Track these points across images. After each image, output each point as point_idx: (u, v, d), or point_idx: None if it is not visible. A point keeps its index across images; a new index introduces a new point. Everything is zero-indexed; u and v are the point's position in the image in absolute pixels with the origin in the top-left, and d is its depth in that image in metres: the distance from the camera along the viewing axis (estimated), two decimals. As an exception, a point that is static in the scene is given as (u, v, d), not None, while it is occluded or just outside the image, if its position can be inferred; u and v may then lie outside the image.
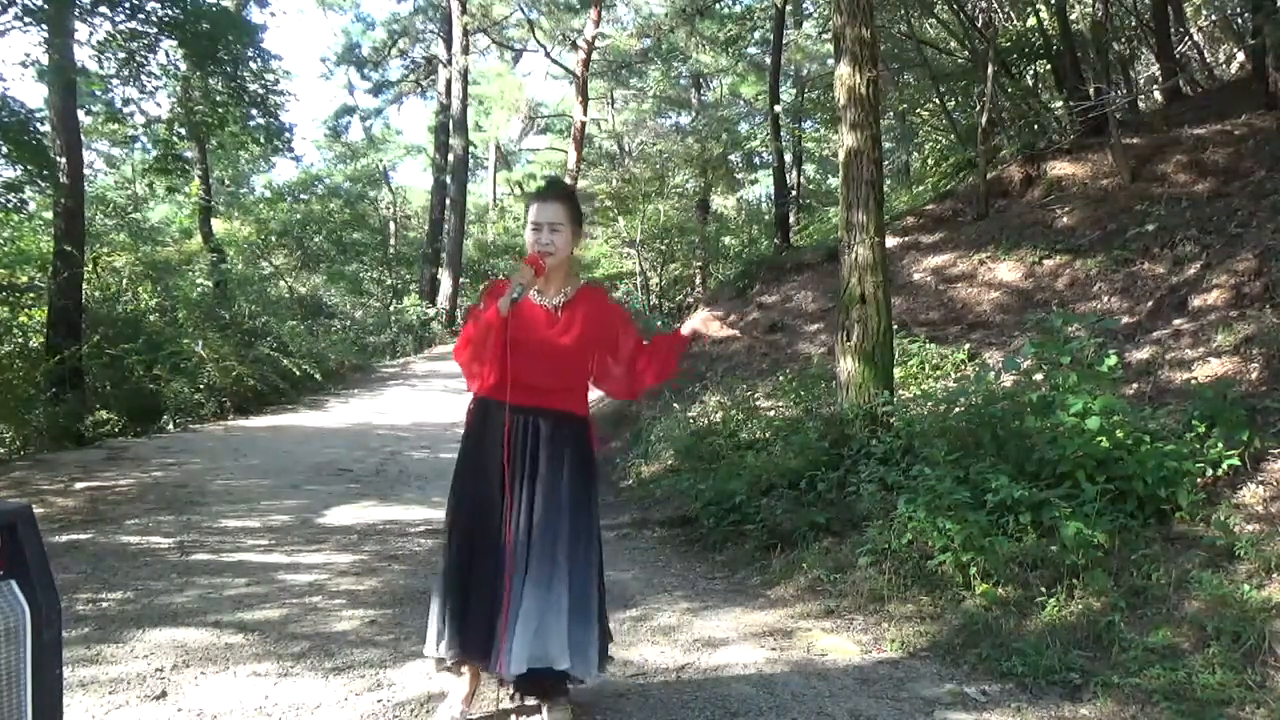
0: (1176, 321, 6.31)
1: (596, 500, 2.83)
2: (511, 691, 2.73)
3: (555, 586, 2.61)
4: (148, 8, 10.14)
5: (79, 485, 6.97)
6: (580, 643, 2.63)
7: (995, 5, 11.47)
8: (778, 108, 15.78)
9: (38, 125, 9.60)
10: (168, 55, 11.00)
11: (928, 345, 7.71)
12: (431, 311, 23.47)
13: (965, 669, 3.35)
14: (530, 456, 2.68)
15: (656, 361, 2.85)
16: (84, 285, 11.10)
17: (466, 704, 2.80)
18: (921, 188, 16.39)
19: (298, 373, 13.65)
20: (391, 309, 24.08)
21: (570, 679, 2.71)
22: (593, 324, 2.77)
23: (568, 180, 25.60)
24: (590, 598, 2.70)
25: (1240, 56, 12.14)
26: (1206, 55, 13.12)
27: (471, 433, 2.78)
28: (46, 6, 9.11)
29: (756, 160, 27.10)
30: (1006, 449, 4.51)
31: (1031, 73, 13.12)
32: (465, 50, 24.53)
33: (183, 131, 12.87)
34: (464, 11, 23.53)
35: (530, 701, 2.78)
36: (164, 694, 3.02)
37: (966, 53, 12.42)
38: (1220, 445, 4.15)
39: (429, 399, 13.31)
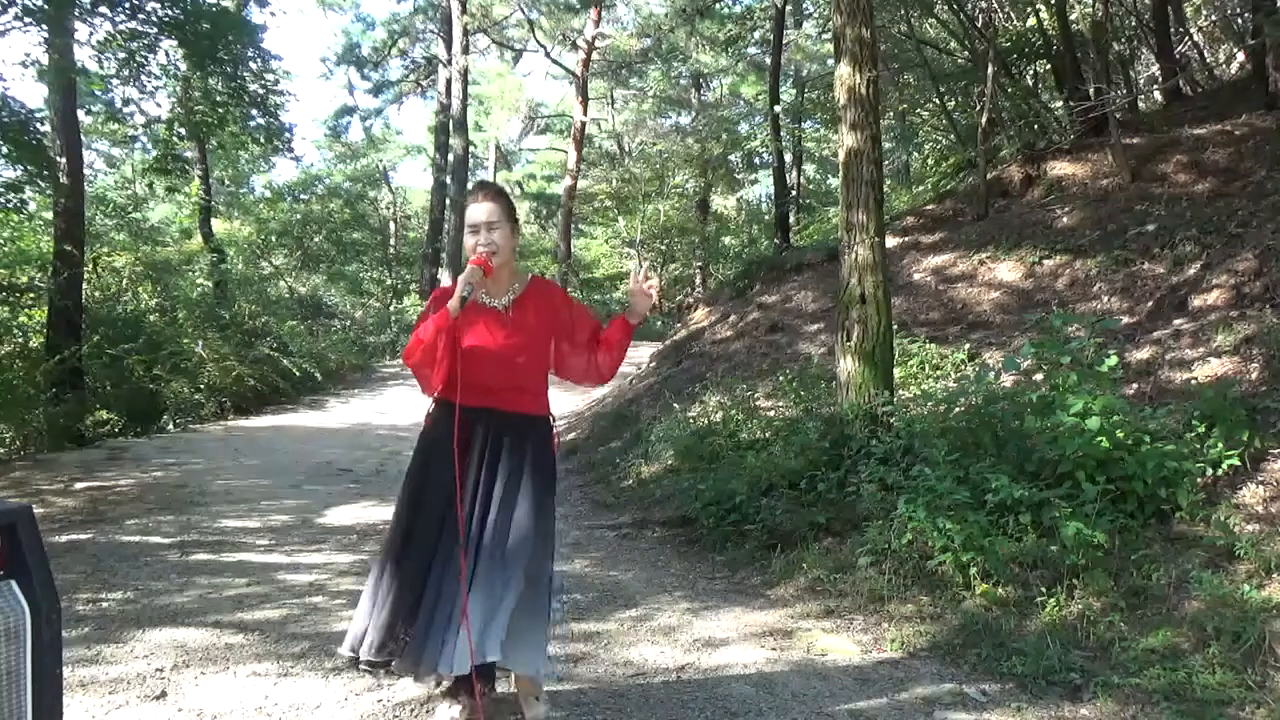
0: (1176, 321, 6.31)
1: (553, 501, 2.79)
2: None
3: (501, 586, 2.57)
4: (148, 8, 10.14)
5: (79, 485, 6.97)
6: (532, 640, 2.62)
7: (995, 5, 11.47)
8: (778, 108, 15.78)
9: (38, 125, 9.61)
10: (168, 55, 11.01)
11: (928, 345, 7.71)
12: (431, 311, 23.42)
13: (965, 669, 3.35)
14: (486, 457, 2.67)
15: (614, 343, 2.82)
16: (84, 285, 11.11)
17: (469, 706, 2.79)
18: (921, 188, 16.40)
19: (298, 373, 13.67)
20: (391, 309, 24.08)
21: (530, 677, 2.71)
22: (544, 318, 2.77)
23: (568, 179, 25.65)
24: (541, 596, 2.67)
25: (1240, 56, 12.13)
26: (1206, 55, 13.12)
27: (425, 433, 2.79)
28: (46, 6, 9.11)
29: (756, 160, 27.10)
30: (1006, 449, 4.52)
31: (1031, 73, 13.11)
32: (465, 50, 24.51)
33: (183, 131, 12.87)
34: (464, 11, 23.51)
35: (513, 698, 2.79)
36: (164, 694, 3.02)
37: (966, 53, 12.42)
38: (1220, 445, 4.16)
39: (429, 399, 13.28)
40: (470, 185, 2.77)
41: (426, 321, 2.67)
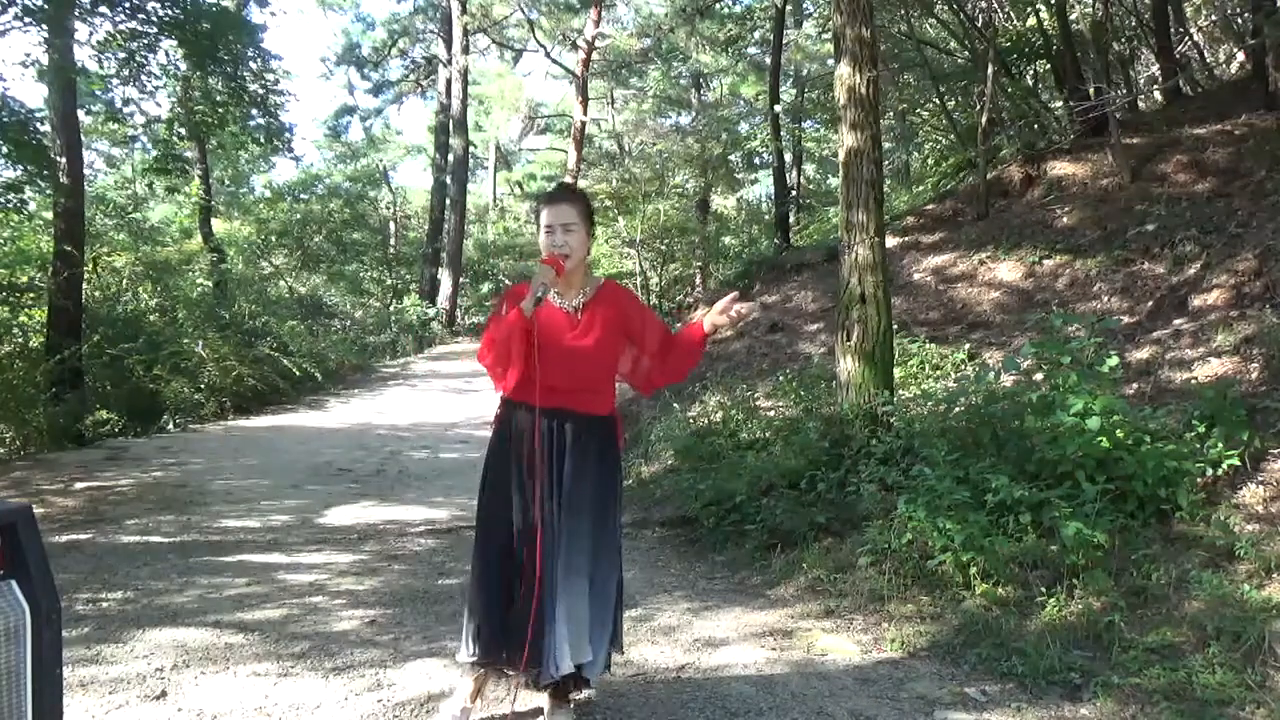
0: (1176, 321, 6.31)
1: (621, 499, 2.86)
2: (542, 689, 2.75)
3: (583, 587, 2.63)
4: (148, 8, 10.14)
5: (79, 485, 6.97)
6: (597, 646, 2.65)
7: (995, 5, 11.47)
8: (778, 108, 15.78)
9: (38, 125, 9.60)
10: (168, 55, 11.00)
11: (928, 345, 7.71)
12: (431, 311, 23.46)
13: (965, 669, 3.35)
14: (557, 458, 2.69)
15: (679, 355, 2.86)
16: (84, 285, 11.11)
17: (471, 701, 2.80)
18: (921, 188, 16.39)
19: (298, 373, 13.66)
20: (391, 309, 24.08)
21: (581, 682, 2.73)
22: (614, 322, 2.77)
23: (567, 180, 25.64)
24: (610, 599, 2.73)
25: (1240, 56, 12.13)
26: (1206, 55, 13.12)
27: (500, 434, 2.80)
28: (46, 6, 9.11)
29: (756, 160, 27.08)
30: (1006, 449, 4.51)
31: (1031, 73, 13.12)
32: (465, 50, 24.52)
33: (183, 131, 12.85)
34: (464, 11, 23.52)
35: (522, 707, 2.79)
36: (164, 694, 3.02)
37: (966, 53, 12.42)
38: (1220, 445, 4.15)
39: (429, 399, 13.31)
40: (551, 187, 2.80)
41: (500, 320, 2.68)
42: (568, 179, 25.57)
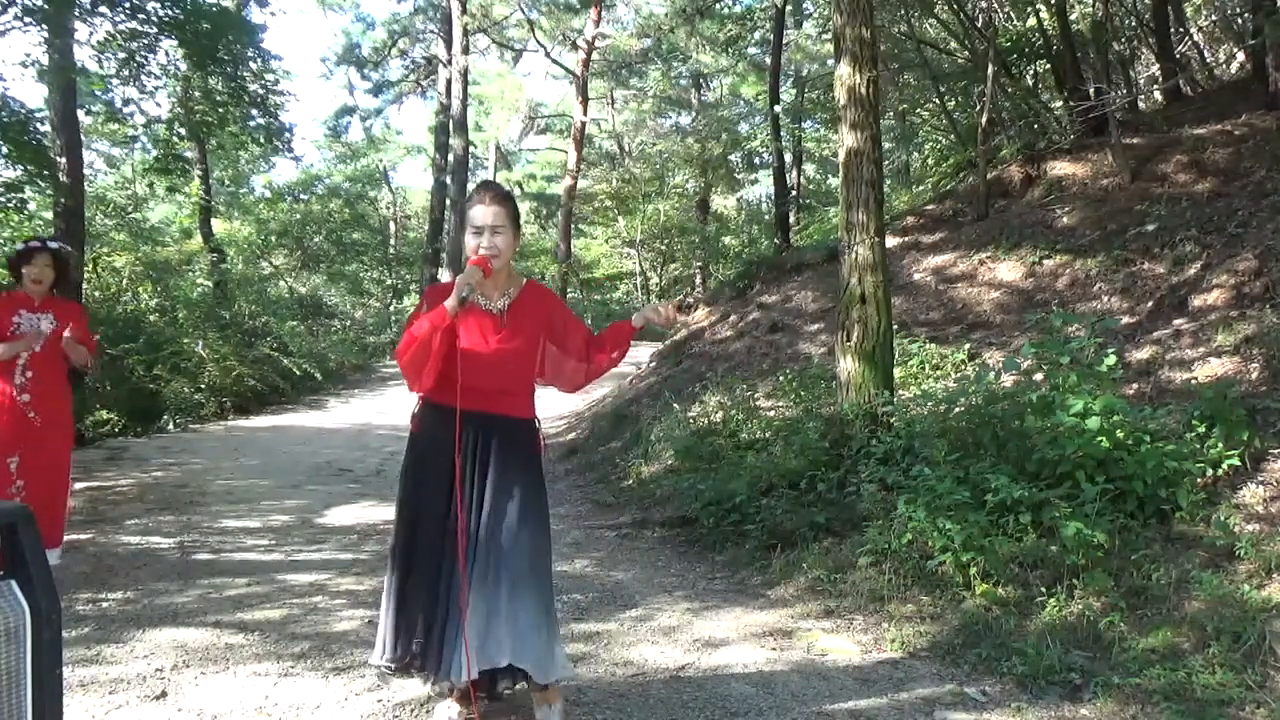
0: (1176, 321, 6.31)
1: (545, 502, 2.80)
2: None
3: (506, 590, 2.59)
4: (148, 8, 10.12)
5: (79, 485, 6.96)
6: (540, 643, 2.61)
7: (995, 5, 11.46)
8: (778, 108, 15.78)
9: (38, 125, 9.59)
10: (168, 55, 10.98)
11: (928, 345, 7.70)
12: (431, 311, 23.44)
13: (965, 669, 3.35)
14: (479, 460, 2.67)
15: (603, 353, 2.85)
16: (84, 285, 11.10)
17: (463, 704, 2.80)
18: (921, 188, 16.39)
19: (298, 373, 13.67)
20: (392, 309, 24.08)
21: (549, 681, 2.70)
22: (537, 323, 2.77)
23: (568, 180, 25.64)
24: (548, 598, 2.70)
25: (1240, 56, 12.13)
26: (1206, 55, 13.12)
27: (419, 436, 2.77)
28: (46, 6, 9.10)
29: (756, 160, 27.11)
30: (1006, 449, 4.51)
31: (1031, 73, 13.11)
32: (465, 50, 24.49)
33: (183, 131, 12.83)
34: (464, 11, 23.51)
35: (521, 701, 2.79)
36: (164, 694, 3.02)
37: (966, 53, 12.42)
38: (1220, 445, 4.16)
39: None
40: (475, 186, 2.75)
41: (421, 319, 2.64)
42: (568, 179, 25.61)
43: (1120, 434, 4.13)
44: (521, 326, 2.73)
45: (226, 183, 26.48)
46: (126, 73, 10.87)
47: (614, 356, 2.85)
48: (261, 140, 12.83)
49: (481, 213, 2.69)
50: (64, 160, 10.05)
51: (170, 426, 10.89)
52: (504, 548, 2.62)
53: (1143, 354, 6.01)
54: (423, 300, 2.80)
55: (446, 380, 2.64)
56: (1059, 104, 11.85)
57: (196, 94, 11.79)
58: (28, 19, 9.14)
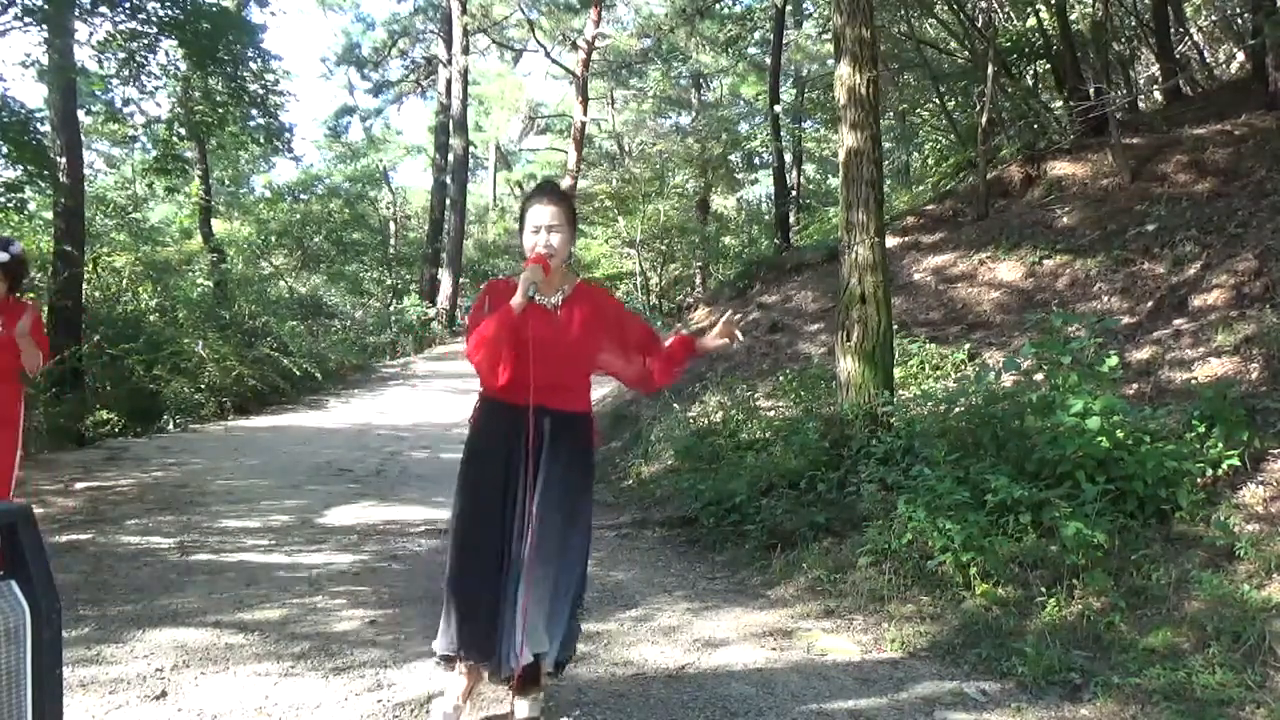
0: (1176, 321, 6.31)
1: (590, 497, 2.91)
2: (511, 686, 2.76)
3: (553, 579, 2.68)
4: (148, 8, 10.13)
5: (79, 485, 6.97)
6: (566, 631, 2.71)
7: (995, 5, 11.47)
8: (778, 108, 15.80)
9: (38, 125, 9.59)
10: (168, 55, 10.99)
11: (928, 345, 7.70)
12: (432, 311, 23.48)
13: (965, 669, 3.35)
14: (537, 454, 2.71)
15: (668, 361, 2.93)
16: (84, 285, 11.10)
17: (463, 700, 2.80)
18: (921, 188, 16.40)
19: (298, 373, 13.66)
20: (391, 309, 24.08)
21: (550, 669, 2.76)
22: (593, 320, 2.81)
23: (567, 180, 25.63)
24: (574, 588, 2.77)
25: (1240, 56, 12.13)
26: (1206, 55, 13.12)
27: (480, 432, 2.81)
28: (46, 6, 9.10)
29: (756, 160, 27.11)
30: (1006, 449, 4.51)
31: (1031, 73, 13.11)
32: (465, 50, 24.54)
33: (183, 131, 12.84)
34: (464, 11, 23.54)
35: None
36: (164, 694, 3.02)
37: (966, 53, 12.42)
38: (1220, 445, 4.15)
39: (429, 399, 13.30)
40: (536, 185, 2.84)
41: (488, 318, 2.69)
42: (567, 179, 25.59)
43: (1120, 434, 4.13)
44: (574, 322, 2.78)
45: (226, 183, 26.50)
46: (126, 73, 10.89)
47: (674, 367, 2.95)
48: (261, 140, 12.85)
49: (540, 212, 2.75)
50: (64, 160, 10.06)
51: (170, 426, 10.90)
52: (555, 544, 2.68)
53: (1143, 354, 6.01)
54: (483, 296, 2.83)
55: (519, 376, 2.68)
56: (1059, 104, 11.85)
57: (196, 94, 11.81)
58: (28, 19, 9.15)
